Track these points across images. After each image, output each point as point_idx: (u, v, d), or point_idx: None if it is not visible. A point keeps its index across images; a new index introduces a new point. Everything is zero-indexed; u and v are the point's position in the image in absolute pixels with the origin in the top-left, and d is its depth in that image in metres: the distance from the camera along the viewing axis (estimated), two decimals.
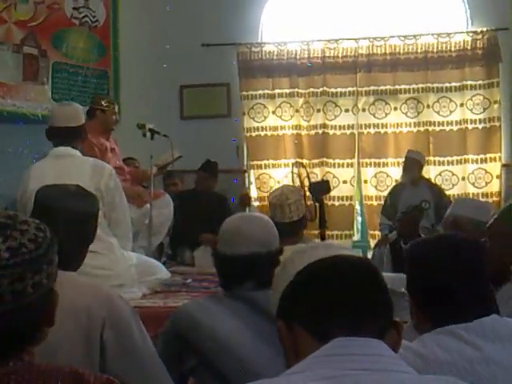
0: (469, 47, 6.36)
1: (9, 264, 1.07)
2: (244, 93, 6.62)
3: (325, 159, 6.54)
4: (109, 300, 1.75)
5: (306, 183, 6.10)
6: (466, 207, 3.04)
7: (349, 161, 6.56)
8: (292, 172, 6.39)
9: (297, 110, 6.59)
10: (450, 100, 6.41)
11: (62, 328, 1.62)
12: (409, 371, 0.96)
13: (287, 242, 2.80)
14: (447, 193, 6.09)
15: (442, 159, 6.41)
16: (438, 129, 6.43)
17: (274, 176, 6.63)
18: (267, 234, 2.01)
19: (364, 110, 6.53)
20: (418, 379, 0.97)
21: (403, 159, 6.10)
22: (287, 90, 6.60)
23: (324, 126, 6.54)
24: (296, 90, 6.58)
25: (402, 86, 6.46)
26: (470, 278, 1.51)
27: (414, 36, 6.45)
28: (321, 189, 6.02)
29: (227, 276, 1.99)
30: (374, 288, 1.05)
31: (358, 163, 6.56)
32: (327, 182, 6.19)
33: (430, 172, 6.33)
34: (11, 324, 1.10)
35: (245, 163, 6.70)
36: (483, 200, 6.11)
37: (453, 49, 6.40)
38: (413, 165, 5.86)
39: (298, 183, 6.46)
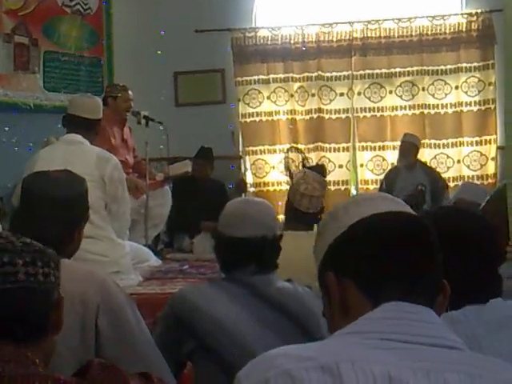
0: (463, 29, 6.34)
1: (23, 249, 1.21)
2: (238, 78, 6.59)
3: (320, 144, 6.54)
4: (103, 286, 1.75)
5: (301, 168, 6.08)
6: (471, 191, 3.09)
7: (344, 145, 6.55)
8: (285, 158, 6.38)
9: (292, 95, 6.57)
10: (445, 82, 6.40)
11: None
12: (458, 343, 0.94)
13: (300, 229, 2.84)
14: (442, 176, 6.09)
15: (437, 142, 6.40)
16: (433, 111, 6.42)
17: (269, 161, 6.63)
18: (273, 218, 2.03)
19: (359, 93, 6.51)
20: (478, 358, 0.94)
21: (398, 142, 6.10)
22: (282, 75, 6.57)
23: (319, 110, 6.53)
24: (291, 74, 6.55)
25: (397, 69, 6.44)
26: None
27: (409, 19, 6.42)
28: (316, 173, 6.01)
29: (230, 259, 1.97)
30: (430, 249, 1.02)
31: (354, 147, 6.56)
32: (322, 166, 6.18)
33: (425, 155, 6.32)
34: (24, 304, 1.18)
35: (240, 149, 6.69)
36: (479, 183, 6.13)
37: (447, 31, 6.37)
38: (409, 149, 5.86)
39: (293, 168, 6.46)
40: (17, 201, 3.42)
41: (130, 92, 4.81)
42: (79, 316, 1.68)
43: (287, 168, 6.22)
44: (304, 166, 6.17)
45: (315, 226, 3.22)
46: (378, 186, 6.15)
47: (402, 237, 1.00)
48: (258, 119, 6.63)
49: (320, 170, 6.20)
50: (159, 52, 6.34)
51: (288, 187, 6.40)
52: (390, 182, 5.86)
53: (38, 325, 1.22)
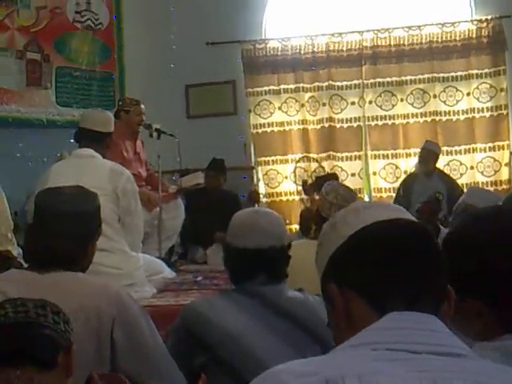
0: (474, 36, 6.33)
1: (35, 303, 1.38)
2: (249, 90, 6.62)
3: (332, 153, 6.54)
4: (118, 299, 1.76)
5: (318, 176, 6.12)
6: (478, 196, 3.03)
7: (356, 153, 6.55)
8: (295, 167, 6.40)
9: (303, 105, 6.58)
10: (457, 89, 6.38)
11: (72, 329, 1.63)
12: (466, 350, 0.92)
13: None
14: (458, 182, 6.06)
15: (449, 149, 6.38)
16: (445, 118, 6.40)
17: (281, 172, 6.63)
18: (281, 228, 2.03)
19: (371, 102, 6.51)
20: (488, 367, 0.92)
21: (411, 150, 6.10)
22: (292, 86, 6.59)
23: (330, 119, 6.54)
24: (301, 84, 6.57)
25: (408, 77, 6.44)
26: None
27: (419, 26, 6.42)
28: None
29: (240, 270, 1.97)
30: (433, 256, 0.99)
31: (366, 155, 6.55)
32: (334, 174, 6.19)
33: (439, 162, 6.29)
34: (34, 338, 1.32)
35: (252, 160, 6.70)
36: (492, 189, 6.09)
37: (458, 38, 6.37)
38: (429, 156, 5.83)
39: (304, 178, 6.47)
40: (31, 216, 3.46)
41: (142, 105, 4.85)
42: (94, 329, 1.70)
43: (299, 178, 6.24)
44: (316, 176, 6.21)
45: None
46: (395, 193, 6.13)
47: (404, 244, 0.98)
48: (269, 130, 6.65)
49: (332, 178, 6.22)
50: (172, 65, 6.38)
51: (299, 197, 6.46)
52: (407, 189, 5.83)
53: (47, 359, 1.32)
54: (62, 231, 1.81)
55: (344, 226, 1.02)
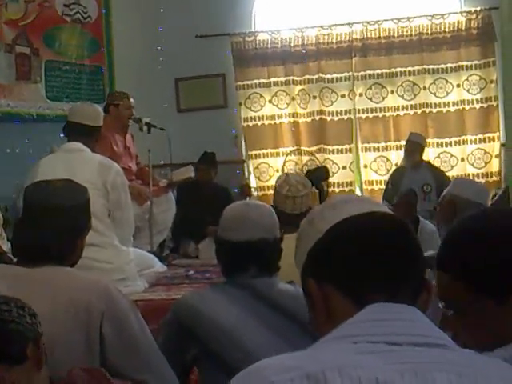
0: (463, 27, 6.34)
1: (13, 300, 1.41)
2: (239, 83, 6.60)
3: (323, 146, 6.54)
4: (107, 294, 1.75)
5: (309, 169, 6.12)
6: (465, 188, 3.00)
7: (347, 146, 6.55)
8: (285, 161, 6.41)
9: (293, 98, 6.58)
10: (447, 81, 6.40)
11: (61, 324, 1.64)
12: (447, 340, 0.93)
13: (292, 231, 2.81)
14: (446, 174, 6.08)
15: (440, 141, 6.40)
16: (435, 110, 6.42)
17: (272, 165, 6.63)
18: (273, 220, 2.02)
19: (361, 94, 6.52)
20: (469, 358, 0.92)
21: (402, 142, 6.09)
22: (283, 78, 6.59)
23: (321, 112, 6.54)
24: (291, 77, 6.57)
25: (398, 69, 6.45)
26: None
27: (408, 18, 6.43)
28: (319, 175, 6.03)
29: (231, 262, 1.97)
30: (410, 247, 0.99)
31: (357, 148, 6.56)
32: (325, 167, 6.19)
33: (429, 154, 6.32)
34: (1, 333, 1.33)
35: (243, 153, 6.69)
36: (483, 181, 6.11)
37: (447, 30, 6.38)
38: (415, 148, 5.84)
39: (297, 171, 6.46)
40: (20, 211, 3.44)
41: (131, 99, 4.83)
42: (84, 324, 1.69)
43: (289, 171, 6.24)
44: (308, 169, 6.22)
45: None
46: (384, 187, 6.14)
47: (380, 236, 0.99)
48: (260, 123, 6.64)
49: (322, 171, 6.24)
50: (161, 59, 6.36)
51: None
52: (395, 182, 5.85)
53: (16, 354, 1.32)
54: (51, 225, 1.80)
55: (321, 221, 1.02)
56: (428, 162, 6.03)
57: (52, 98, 5.51)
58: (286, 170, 6.52)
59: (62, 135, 3.79)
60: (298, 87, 6.58)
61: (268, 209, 2.05)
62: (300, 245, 1.06)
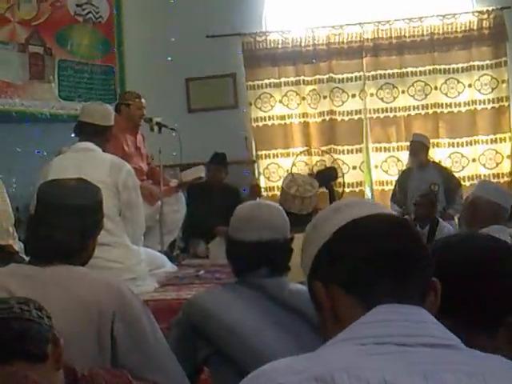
0: (475, 27, 6.31)
1: (18, 299, 1.41)
2: (250, 83, 6.60)
3: (333, 146, 6.53)
4: (119, 294, 1.75)
5: (318, 170, 6.12)
6: (487, 189, 2.99)
7: (357, 146, 6.54)
8: (294, 161, 6.40)
9: (303, 98, 6.57)
10: (458, 81, 6.37)
11: (73, 323, 1.64)
12: (455, 341, 0.92)
13: (300, 231, 2.81)
14: (458, 175, 6.06)
15: (451, 141, 6.37)
16: (446, 111, 6.39)
17: (282, 165, 6.63)
18: (284, 221, 2.02)
19: (372, 94, 6.50)
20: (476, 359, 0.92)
21: None
22: (293, 78, 6.58)
23: (331, 112, 6.53)
24: (302, 77, 6.56)
25: (409, 69, 6.43)
26: None
27: (420, 18, 6.40)
28: (328, 176, 6.02)
29: (242, 263, 1.97)
30: (417, 248, 0.99)
31: (367, 148, 6.54)
32: (334, 168, 6.19)
33: (440, 154, 6.29)
34: (20, 332, 1.32)
35: (253, 154, 6.69)
36: (494, 181, 6.07)
37: (459, 29, 6.35)
38: (419, 148, 5.82)
39: (306, 172, 6.46)
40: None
41: (142, 99, 4.84)
42: (95, 324, 1.69)
43: (300, 172, 6.22)
44: (318, 170, 6.21)
45: None
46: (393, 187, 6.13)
47: (387, 238, 0.99)
48: (270, 123, 6.64)
49: (331, 172, 6.23)
50: (170, 58, 6.37)
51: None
52: (403, 183, 5.84)
53: (38, 353, 1.32)
54: (64, 224, 1.79)
55: (326, 224, 1.03)
56: (435, 162, 6.01)
57: (65, 98, 5.54)
58: (295, 171, 6.51)
59: (73, 135, 3.80)
60: (309, 87, 6.57)
61: (278, 209, 2.05)
62: (306, 249, 1.06)
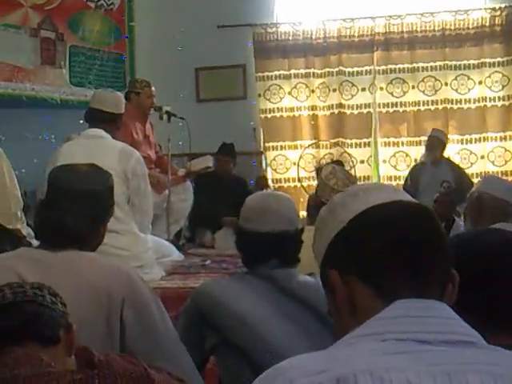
0: (487, 24, 6.29)
1: (32, 283, 1.43)
2: (259, 74, 6.59)
3: (341, 139, 6.52)
4: (129, 280, 1.75)
5: (323, 164, 6.09)
6: (493, 185, 2.94)
7: (366, 140, 6.53)
8: (301, 154, 6.39)
9: (313, 91, 6.56)
10: (469, 78, 6.35)
11: (82, 308, 1.64)
12: (476, 337, 0.90)
13: None
14: (466, 171, 6.04)
15: (460, 137, 6.36)
16: (456, 107, 6.38)
17: (290, 158, 6.62)
18: (294, 212, 2.01)
19: (382, 88, 6.48)
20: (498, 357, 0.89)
21: (422, 138, 6.06)
22: (303, 71, 6.57)
23: (340, 105, 6.51)
24: (312, 70, 6.54)
25: (420, 64, 6.41)
26: None
27: (432, 13, 6.38)
28: None
29: (253, 253, 1.97)
30: (438, 237, 0.96)
31: (375, 143, 6.53)
32: (340, 162, 6.17)
33: (449, 151, 6.27)
34: (34, 316, 1.33)
35: (261, 145, 6.68)
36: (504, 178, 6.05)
37: (470, 26, 6.33)
38: (437, 144, 5.79)
39: (314, 164, 6.45)
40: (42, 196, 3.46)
41: (152, 88, 4.83)
42: (104, 309, 1.69)
43: (307, 164, 6.21)
44: (326, 163, 6.19)
45: None
46: (402, 182, 6.12)
47: (406, 226, 0.94)
48: (278, 115, 6.63)
49: (338, 165, 6.20)
50: (181, 48, 6.36)
51: (306, 183, 6.45)
52: (414, 178, 5.82)
53: (50, 335, 1.33)
54: (75, 209, 1.78)
55: (343, 210, 0.99)
56: (448, 159, 5.98)
57: (75, 84, 5.53)
58: (303, 164, 6.50)
59: (83, 121, 3.80)
60: (318, 80, 6.56)
61: (289, 200, 2.04)
62: (320, 235, 1.02)
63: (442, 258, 0.96)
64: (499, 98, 6.28)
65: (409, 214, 0.97)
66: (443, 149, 5.85)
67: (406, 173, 6.22)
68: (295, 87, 6.59)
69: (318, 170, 6.31)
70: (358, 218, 0.96)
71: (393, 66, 6.44)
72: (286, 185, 6.62)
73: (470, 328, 0.91)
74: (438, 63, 6.37)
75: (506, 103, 6.27)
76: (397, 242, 0.93)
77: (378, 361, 0.83)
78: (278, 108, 6.63)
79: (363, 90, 6.51)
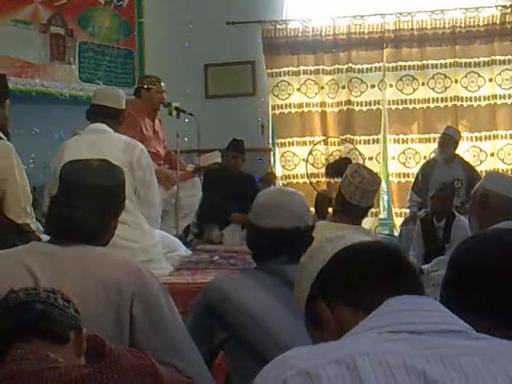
0: (497, 21, 6.25)
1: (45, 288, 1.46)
2: (269, 70, 6.58)
3: (350, 136, 6.50)
4: (139, 275, 1.75)
5: (331, 161, 6.09)
6: (497, 182, 2.91)
7: (374, 137, 6.51)
8: (311, 150, 6.38)
9: (322, 87, 6.54)
10: (479, 75, 6.31)
11: (92, 302, 1.64)
12: (466, 327, 0.96)
13: (349, 222, 2.89)
14: (477, 170, 6.01)
15: (470, 135, 6.33)
16: (466, 104, 6.34)
17: (298, 154, 6.61)
18: (305, 208, 2.01)
19: (391, 85, 6.46)
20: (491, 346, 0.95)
21: (432, 135, 6.03)
22: (312, 67, 6.55)
23: (349, 102, 6.49)
24: (321, 66, 6.53)
25: (430, 62, 6.38)
26: None
27: (442, 11, 6.35)
28: (343, 166, 5.99)
29: (263, 249, 1.97)
30: (402, 262, 1.10)
31: (385, 139, 6.51)
32: (348, 159, 6.16)
33: (459, 148, 6.23)
34: (45, 315, 1.36)
35: (270, 141, 6.68)
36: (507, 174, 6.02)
37: (481, 23, 6.29)
38: (450, 142, 5.77)
39: (322, 161, 6.45)
40: (48, 191, 3.46)
41: (162, 84, 4.84)
42: (114, 303, 1.69)
43: (316, 161, 6.20)
44: (334, 160, 6.19)
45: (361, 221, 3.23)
46: (410, 180, 6.10)
47: (381, 255, 1.11)
48: (287, 111, 6.61)
49: (345, 163, 6.20)
50: (188, 44, 6.36)
51: (315, 180, 6.44)
52: (426, 174, 5.80)
53: (59, 334, 1.35)
54: (87, 204, 1.79)
55: (321, 254, 1.16)
56: (460, 157, 5.94)
57: (85, 80, 5.54)
58: (312, 160, 6.49)
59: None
60: (328, 77, 6.54)
61: (301, 196, 2.04)
62: (302, 277, 1.18)
63: (411, 279, 1.08)
64: (509, 95, 6.25)
65: (379, 246, 1.15)
66: (456, 147, 5.83)
67: (414, 170, 6.21)
68: (304, 84, 6.58)
69: (329, 166, 6.31)
70: (337, 254, 1.13)
71: (402, 63, 6.41)
72: (294, 181, 6.61)
73: (460, 319, 0.98)
74: (448, 60, 6.34)
75: None
76: (373, 264, 1.09)
77: (375, 346, 0.90)
78: (286, 104, 6.62)
79: (372, 86, 6.49)
